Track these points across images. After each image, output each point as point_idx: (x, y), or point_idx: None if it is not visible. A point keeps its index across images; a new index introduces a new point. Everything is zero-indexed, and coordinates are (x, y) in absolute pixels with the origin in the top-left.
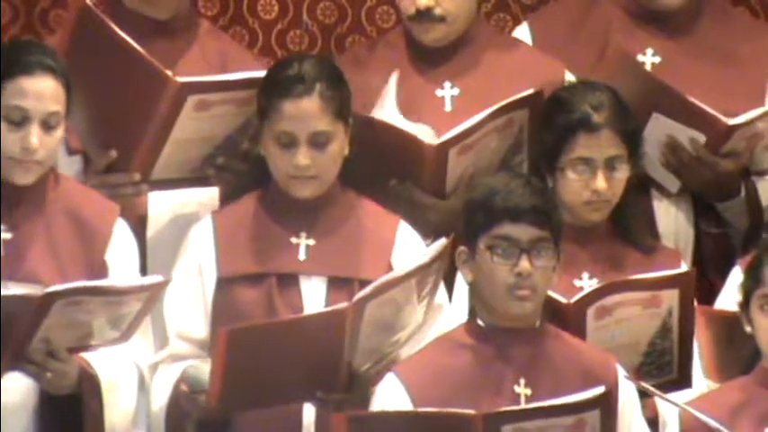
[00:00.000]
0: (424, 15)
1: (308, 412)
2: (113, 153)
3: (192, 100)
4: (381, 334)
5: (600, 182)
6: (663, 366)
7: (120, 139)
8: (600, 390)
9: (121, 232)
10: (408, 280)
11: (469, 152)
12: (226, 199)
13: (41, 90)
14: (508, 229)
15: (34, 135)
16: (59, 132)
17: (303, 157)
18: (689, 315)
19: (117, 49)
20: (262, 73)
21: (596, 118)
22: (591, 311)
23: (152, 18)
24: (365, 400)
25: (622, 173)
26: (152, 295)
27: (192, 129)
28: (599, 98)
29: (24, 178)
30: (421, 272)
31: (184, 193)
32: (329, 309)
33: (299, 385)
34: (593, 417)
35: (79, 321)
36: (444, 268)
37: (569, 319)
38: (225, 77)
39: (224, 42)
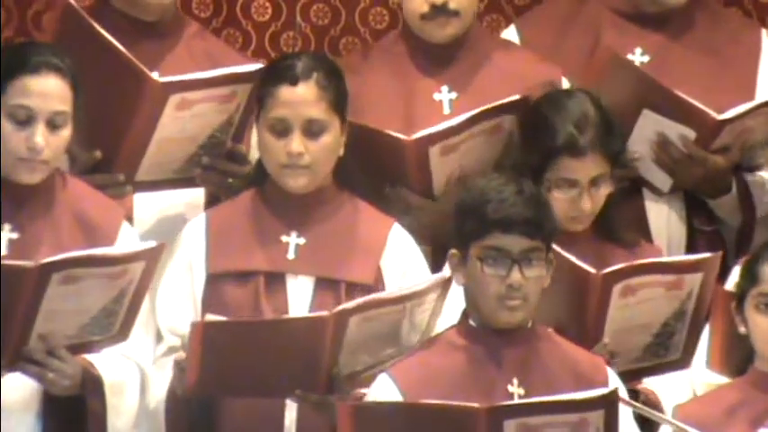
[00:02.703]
0: (440, 11)
1: (290, 413)
2: (98, 153)
3: (173, 99)
4: (373, 346)
5: (584, 203)
6: (669, 347)
7: (105, 139)
8: (606, 390)
9: (127, 234)
10: (399, 303)
11: (453, 154)
12: (212, 199)
13: (47, 89)
14: (499, 240)
15: (39, 134)
16: (66, 132)
17: (296, 144)
18: (706, 299)
19: (100, 48)
20: (241, 68)
21: (581, 141)
22: (617, 288)
23: (139, 19)
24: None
25: (605, 188)
26: (149, 265)
27: (176, 128)
28: (583, 116)
29: (30, 178)
30: (414, 298)
31: (170, 194)
32: (310, 315)
33: (277, 382)
34: (598, 417)
35: (77, 306)
36: (445, 299)
37: (595, 290)
38: (205, 74)
39: (211, 43)
